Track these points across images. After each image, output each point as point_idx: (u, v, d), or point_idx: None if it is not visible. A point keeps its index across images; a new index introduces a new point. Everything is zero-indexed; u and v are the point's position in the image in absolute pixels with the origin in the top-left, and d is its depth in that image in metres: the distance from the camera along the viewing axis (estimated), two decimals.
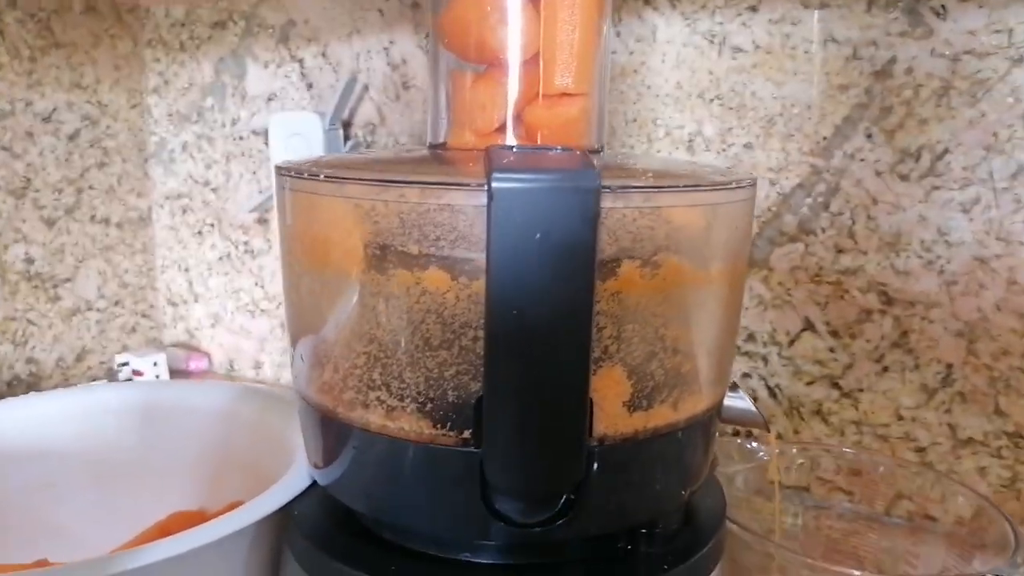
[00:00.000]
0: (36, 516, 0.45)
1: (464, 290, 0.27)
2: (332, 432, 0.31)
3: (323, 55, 0.69)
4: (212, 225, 0.78)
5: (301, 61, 0.70)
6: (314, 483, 0.36)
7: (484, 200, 0.24)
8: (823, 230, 0.54)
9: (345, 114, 0.68)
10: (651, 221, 0.27)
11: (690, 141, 0.57)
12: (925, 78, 0.49)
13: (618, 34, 0.57)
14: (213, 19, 0.73)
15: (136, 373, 0.72)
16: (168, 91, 0.77)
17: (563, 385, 0.26)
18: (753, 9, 0.53)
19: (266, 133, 0.72)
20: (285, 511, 0.34)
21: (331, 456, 0.32)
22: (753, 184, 0.32)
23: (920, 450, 0.53)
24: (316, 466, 0.34)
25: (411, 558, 0.31)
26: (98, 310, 0.75)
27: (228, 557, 0.34)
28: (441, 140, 0.34)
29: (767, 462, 0.47)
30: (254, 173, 0.75)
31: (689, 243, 0.28)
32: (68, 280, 0.73)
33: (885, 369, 0.53)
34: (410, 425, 0.28)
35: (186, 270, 0.80)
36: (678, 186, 0.28)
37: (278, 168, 0.32)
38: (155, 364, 0.73)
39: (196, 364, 0.78)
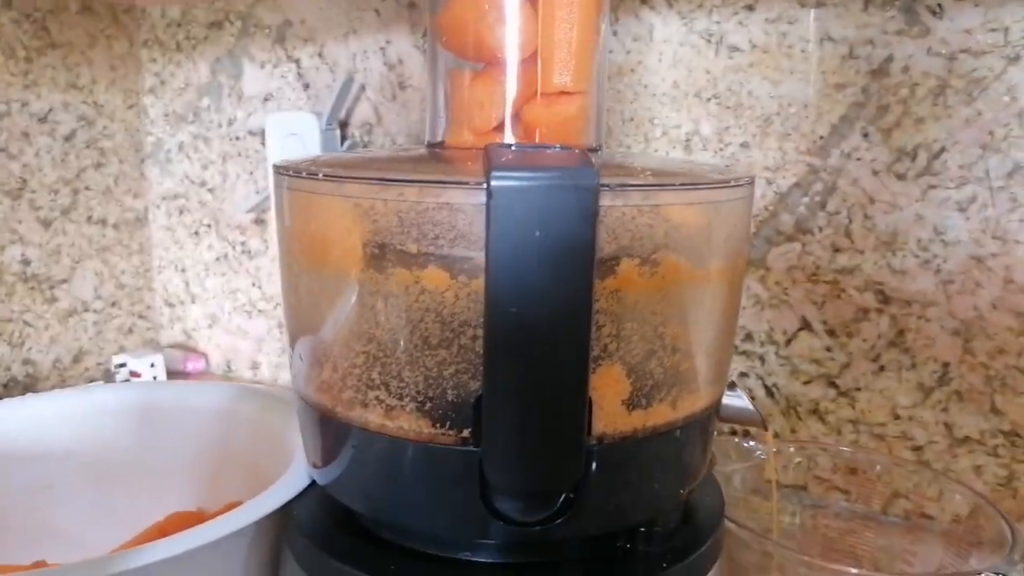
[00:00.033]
0: (34, 517, 0.44)
1: (463, 289, 0.27)
2: (331, 431, 0.31)
3: (319, 55, 0.69)
4: (209, 226, 0.78)
5: (297, 61, 0.70)
6: (313, 483, 0.36)
7: (483, 198, 0.24)
8: (820, 229, 0.54)
9: (342, 114, 0.68)
10: (650, 219, 0.27)
11: (687, 140, 0.57)
12: (921, 77, 0.49)
13: (615, 33, 0.57)
14: (209, 19, 0.73)
15: (133, 374, 0.72)
16: (164, 91, 0.77)
17: (562, 384, 0.26)
18: (750, 8, 0.53)
19: (263, 133, 0.72)
20: (284, 511, 0.34)
21: (330, 456, 0.32)
22: (751, 182, 0.32)
23: (917, 449, 0.53)
24: (315, 466, 0.34)
25: (410, 557, 0.31)
26: (95, 311, 0.75)
27: (227, 557, 0.34)
28: (439, 139, 0.34)
29: (765, 461, 0.47)
30: (251, 173, 0.75)
31: (688, 241, 0.28)
32: (65, 281, 0.72)
33: (882, 368, 0.53)
34: (409, 424, 0.28)
35: (183, 271, 0.80)
36: (677, 184, 0.28)
37: (276, 167, 0.32)
38: (152, 365, 0.72)
39: (193, 365, 0.78)
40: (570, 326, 0.25)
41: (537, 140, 0.32)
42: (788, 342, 0.56)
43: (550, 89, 0.32)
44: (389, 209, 0.27)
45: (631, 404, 0.29)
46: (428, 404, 0.28)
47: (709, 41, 0.55)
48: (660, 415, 0.29)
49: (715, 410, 0.33)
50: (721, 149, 0.56)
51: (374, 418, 0.29)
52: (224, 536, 0.31)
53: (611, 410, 0.28)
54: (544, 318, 0.25)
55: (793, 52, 0.53)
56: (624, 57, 0.58)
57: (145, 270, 0.80)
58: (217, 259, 0.78)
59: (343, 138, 0.69)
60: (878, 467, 0.47)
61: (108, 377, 0.76)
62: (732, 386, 0.36)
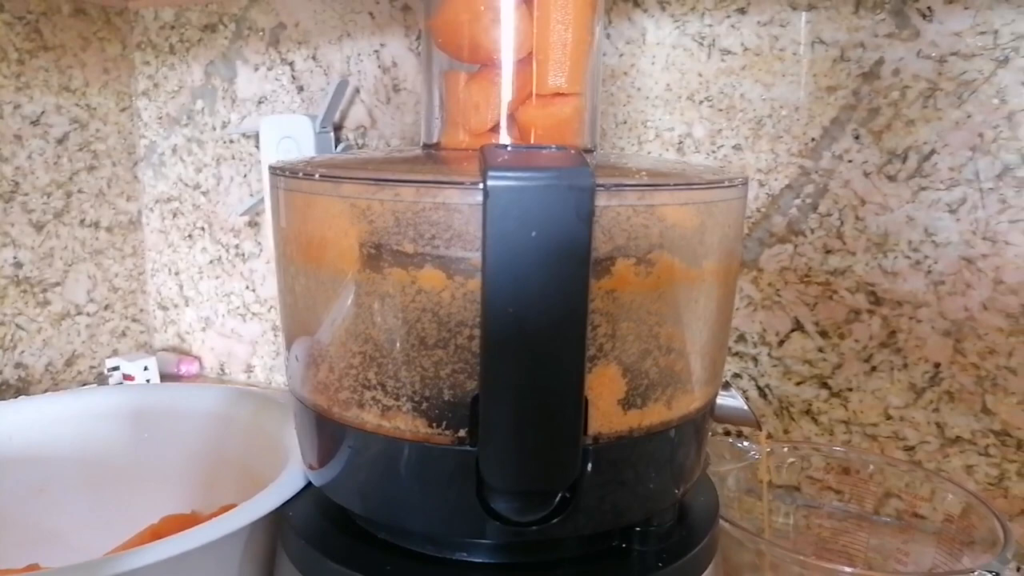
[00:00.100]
0: (28, 521, 0.44)
1: (459, 289, 0.27)
2: (327, 432, 0.31)
3: (314, 58, 0.69)
4: (203, 228, 0.78)
5: (292, 64, 0.70)
6: (308, 485, 0.36)
7: (479, 198, 0.25)
8: (812, 231, 0.54)
9: (336, 117, 0.68)
10: (645, 219, 0.27)
11: (680, 143, 0.57)
12: (912, 79, 0.50)
13: (608, 36, 0.58)
14: (203, 22, 0.73)
15: (127, 377, 0.72)
16: (158, 94, 0.77)
17: (558, 383, 0.26)
18: (742, 11, 0.54)
19: (257, 136, 0.72)
20: (279, 513, 0.34)
21: (326, 456, 0.32)
22: (745, 183, 0.32)
23: (909, 449, 0.53)
24: (311, 467, 0.34)
25: (407, 558, 0.31)
26: (88, 314, 0.75)
27: (221, 560, 0.34)
28: (435, 140, 0.34)
29: (758, 461, 0.47)
30: (245, 176, 0.75)
31: (683, 241, 0.29)
32: (57, 284, 0.72)
33: (874, 369, 0.54)
34: (406, 424, 0.28)
35: (176, 274, 0.80)
36: (671, 184, 0.28)
37: (272, 168, 0.32)
38: (146, 368, 0.72)
39: (187, 368, 0.78)
40: (566, 326, 0.26)
41: (532, 141, 0.32)
42: (781, 343, 0.56)
43: (545, 90, 0.32)
44: (385, 209, 0.27)
45: (627, 404, 0.29)
46: (424, 404, 0.28)
47: (701, 44, 0.55)
48: (655, 415, 0.30)
49: (710, 410, 0.33)
50: (714, 151, 0.56)
51: (370, 418, 0.29)
52: (218, 539, 0.31)
53: (607, 410, 0.28)
54: (540, 318, 0.25)
55: (785, 55, 0.53)
56: (617, 60, 0.58)
57: (138, 273, 0.80)
58: (211, 262, 0.78)
59: (337, 141, 0.69)
60: (871, 467, 0.48)
61: (101, 380, 0.76)
62: (726, 386, 0.37)
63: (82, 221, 0.74)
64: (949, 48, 0.49)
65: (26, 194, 0.69)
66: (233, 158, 0.75)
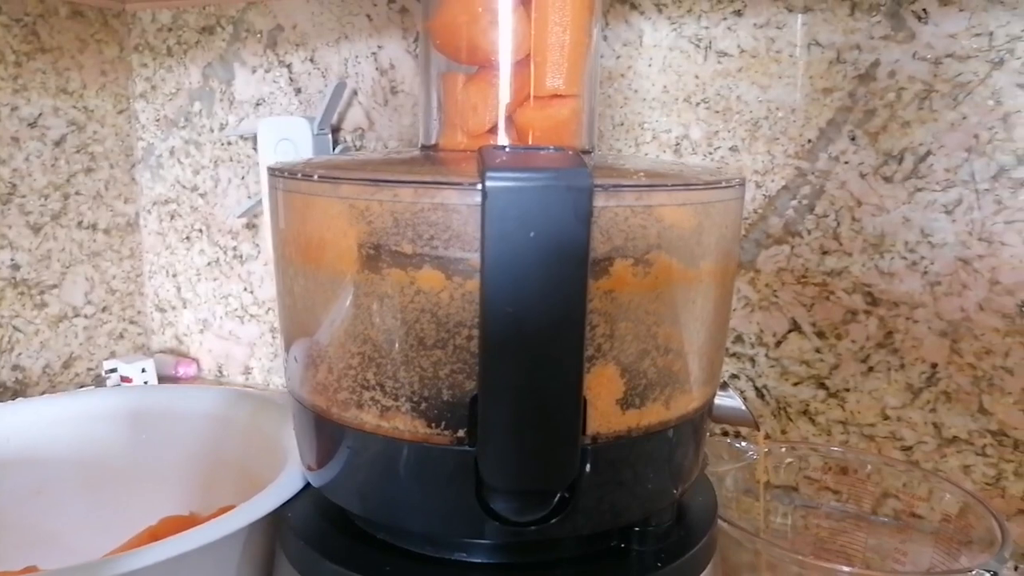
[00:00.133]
0: (26, 523, 0.44)
1: (458, 289, 0.27)
2: (326, 433, 0.31)
3: (311, 60, 0.69)
4: (200, 230, 0.78)
5: (289, 66, 0.70)
6: (307, 486, 0.36)
7: (478, 199, 0.25)
8: (808, 232, 0.54)
9: (334, 119, 0.68)
10: (643, 220, 0.27)
11: (677, 144, 0.57)
12: (907, 81, 0.50)
13: (605, 38, 0.58)
14: (200, 24, 0.73)
15: (124, 379, 0.72)
16: (155, 96, 0.77)
17: (557, 383, 0.26)
18: (738, 14, 0.54)
19: (254, 138, 0.72)
20: (277, 515, 0.34)
21: (325, 457, 0.32)
22: (742, 183, 0.32)
23: (906, 449, 0.53)
24: (310, 468, 0.34)
25: (406, 558, 0.31)
26: (85, 316, 0.75)
27: (219, 561, 0.34)
28: (433, 141, 0.34)
29: (756, 462, 0.47)
30: (242, 178, 0.75)
31: (680, 242, 0.29)
32: (55, 286, 0.72)
33: (871, 369, 0.54)
34: (404, 425, 0.28)
35: (174, 276, 0.80)
36: (669, 185, 0.29)
37: (271, 169, 0.32)
38: (143, 370, 0.72)
39: (185, 370, 0.78)
40: (564, 326, 0.26)
41: (530, 142, 0.32)
42: (778, 344, 0.56)
43: (543, 92, 0.32)
44: (384, 210, 0.27)
45: (625, 404, 0.29)
46: (423, 404, 0.28)
47: (698, 46, 0.55)
48: (654, 415, 0.30)
49: (708, 410, 0.34)
50: (710, 153, 0.56)
51: (369, 419, 0.29)
52: (217, 540, 0.31)
53: (605, 410, 0.28)
54: (539, 318, 0.25)
55: (781, 57, 0.53)
56: (614, 62, 0.58)
57: (136, 275, 0.80)
58: (209, 264, 0.78)
59: (335, 143, 0.69)
60: (868, 467, 0.48)
61: (99, 383, 0.75)
62: (724, 386, 0.37)
63: (79, 223, 0.74)
64: (944, 50, 0.49)
65: (23, 196, 0.69)
66: (231, 160, 0.75)
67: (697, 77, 0.56)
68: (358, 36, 0.67)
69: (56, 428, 0.46)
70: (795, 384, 0.56)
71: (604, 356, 0.28)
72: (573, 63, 0.32)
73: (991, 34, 0.48)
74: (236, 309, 0.77)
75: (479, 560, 0.31)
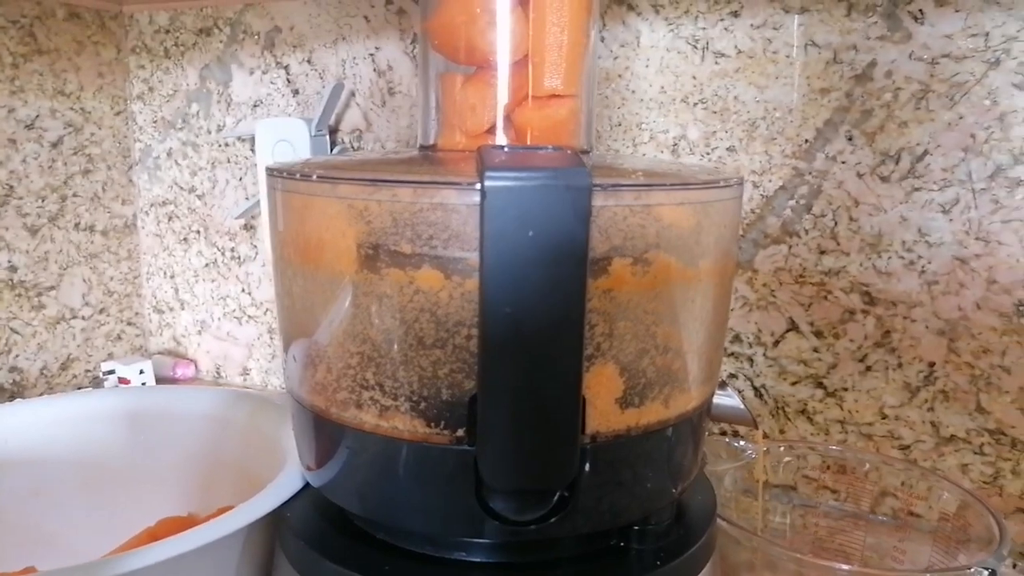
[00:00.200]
0: (24, 524, 0.44)
1: (457, 289, 0.27)
2: (325, 433, 0.31)
3: (309, 61, 0.69)
4: (198, 232, 0.78)
5: (287, 67, 0.70)
6: (306, 486, 0.36)
7: (477, 199, 0.25)
8: (806, 232, 0.54)
9: (331, 120, 0.68)
10: (642, 219, 0.27)
11: (674, 145, 0.57)
12: (904, 81, 0.50)
13: (602, 39, 0.58)
14: (198, 26, 0.73)
15: (122, 381, 0.72)
16: (153, 98, 0.77)
17: (556, 382, 0.26)
18: (735, 14, 0.54)
19: (252, 139, 0.72)
20: (276, 515, 0.34)
21: (324, 457, 0.32)
22: (740, 183, 0.32)
23: (904, 448, 0.54)
24: (309, 468, 0.34)
25: (406, 558, 0.31)
26: (83, 318, 0.75)
27: (218, 562, 0.34)
28: (431, 142, 0.34)
29: (755, 461, 0.47)
30: (240, 179, 0.75)
31: (679, 241, 0.29)
32: (52, 288, 0.72)
33: (868, 368, 0.54)
34: (404, 424, 0.29)
35: (172, 277, 0.80)
36: (668, 184, 0.29)
37: (269, 169, 0.32)
38: (141, 372, 0.72)
39: (183, 371, 0.78)
40: (564, 325, 0.26)
41: (529, 142, 0.32)
42: (776, 343, 0.56)
43: (541, 92, 0.32)
44: (383, 210, 0.27)
45: (624, 403, 0.29)
46: (423, 404, 0.28)
47: (695, 47, 0.56)
48: (653, 413, 0.30)
49: (706, 409, 0.34)
50: (708, 153, 0.56)
51: (369, 418, 0.29)
52: (215, 540, 0.31)
53: (604, 409, 0.29)
54: (538, 317, 0.25)
55: (778, 57, 0.53)
56: (612, 63, 0.58)
57: (134, 277, 0.80)
58: (206, 265, 0.78)
59: (333, 144, 0.69)
60: (867, 466, 0.48)
61: (96, 384, 0.75)
62: (723, 385, 0.37)
63: (77, 225, 0.74)
64: (941, 50, 0.49)
65: (20, 198, 0.69)
66: (228, 161, 0.75)
67: (694, 78, 0.56)
68: (356, 37, 0.67)
69: (54, 429, 0.46)
70: (793, 383, 0.56)
71: (603, 355, 0.28)
72: (571, 63, 0.32)
73: (987, 34, 0.48)
74: (234, 310, 0.77)
75: (478, 559, 0.31)
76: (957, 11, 0.48)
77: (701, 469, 0.36)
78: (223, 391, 0.49)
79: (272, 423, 0.44)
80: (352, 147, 0.69)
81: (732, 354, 0.58)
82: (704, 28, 0.55)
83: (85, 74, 0.73)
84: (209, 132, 0.75)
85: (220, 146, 0.75)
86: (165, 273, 0.80)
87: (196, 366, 0.80)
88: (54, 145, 0.71)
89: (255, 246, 0.75)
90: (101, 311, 0.77)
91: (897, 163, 0.51)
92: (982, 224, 0.50)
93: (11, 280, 0.69)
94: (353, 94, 0.68)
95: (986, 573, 0.35)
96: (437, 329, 0.27)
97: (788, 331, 0.56)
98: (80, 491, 0.46)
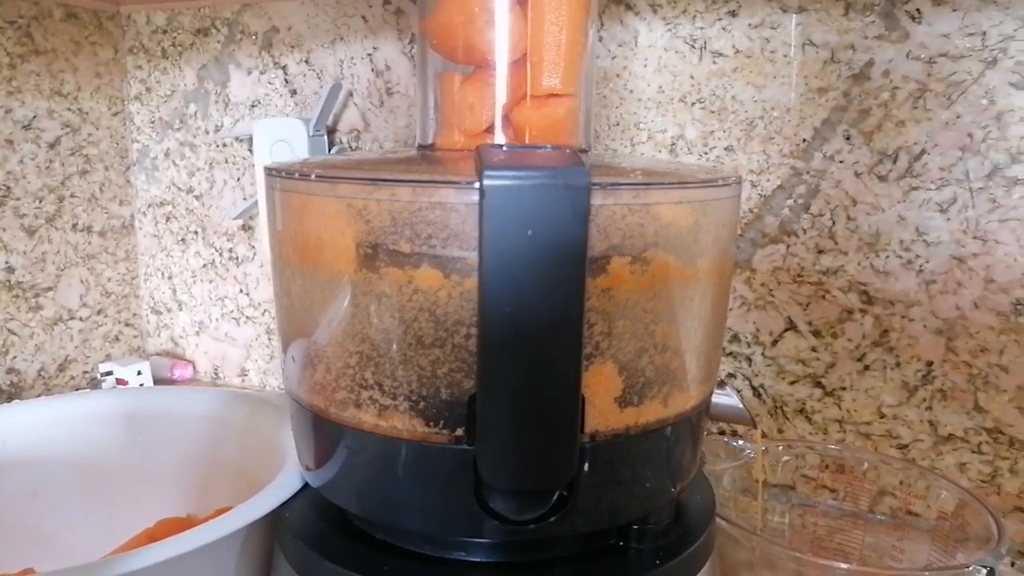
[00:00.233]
0: (22, 525, 0.44)
1: (456, 288, 0.27)
2: (324, 433, 0.31)
3: (307, 62, 0.69)
4: (196, 232, 0.78)
5: (285, 68, 0.70)
6: (305, 486, 0.36)
7: (476, 198, 0.25)
8: (804, 231, 0.54)
9: (329, 120, 0.68)
10: (640, 218, 0.27)
11: (672, 144, 0.57)
12: (902, 81, 0.50)
13: (600, 39, 0.58)
14: (195, 26, 0.73)
15: (120, 382, 0.72)
16: (150, 98, 0.77)
17: (555, 381, 0.26)
18: (733, 14, 0.54)
19: (250, 140, 0.72)
20: (275, 516, 0.34)
21: (323, 457, 0.32)
22: (739, 182, 0.32)
23: (902, 447, 0.54)
24: (308, 468, 0.34)
25: (405, 558, 0.31)
26: (80, 319, 0.75)
27: (217, 563, 0.33)
28: (430, 141, 0.34)
29: (753, 460, 0.47)
30: (238, 180, 0.75)
31: (678, 240, 0.29)
32: (50, 289, 0.72)
33: (867, 368, 0.54)
34: (403, 424, 0.28)
35: (170, 278, 0.80)
36: (666, 183, 0.29)
37: (268, 169, 0.32)
38: (139, 373, 0.72)
39: (181, 372, 0.77)
40: (563, 324, 0.26)
41: (527, 142, 0.32)
42: (774, 343, 0.56)
43: (539, 91, 0.32)
44: (382, 209, 0.27)
45: (623, 402, 0.29)
46: (422, 403, 0.28)
47: (693, 47, 0.56)
48: (652, 412, 0.30)
49: (705, 408, 0.34)
50: (706, 153, 0.56)
51: (368, 418, 0.29)
52: (214, 541, 0.31)
53: (603, 408, 0.29)
54: (537, 316, 0.25)
55: (776, 57, 0.53)
56: (610, 62, 0.58)
57: (131, 277, 0.80)
58: (204, 266, 0.78)
59: (331, 144, 0.69)
60: (865, 464, 0.48)
61: (94, 385, 0.75)
62: (722, 385, 0.37)
63: (74, 226, 0.73)
64: (938, 50, 0.49)
65: (18, 199, 0.69)
66: (226, 162, 0.75)
67: (692, 77, 0.56)
68: (353, 38, 0.67)
69: (52, 430, 0.46)
70: (791, 383, 0.56)
71: (602, 354, 0.28)
72: (569, 62, 0.32)
73: (984, 34, 0.48)
74: (232, 311, 0.77)
75: (478, 559, 0.31)
76: (954, 10, 0.48)
77: (700, 468, 0.36)
78: (221, 392, 0.49)
79: (270, 423, 0.44)
80: (350, 147, 0.69)
81: (730, 354, 0.58)
82: (702, 28, 0.55)
83: (82, 74, 0.73)
84: (207, 132, 0.75)
85: (218, 146, 0.75)
86: (163, 274, 0.80)
87: (194, 367, 0.80)
88: (51, 146, 0.71)
89: (253, 247, 0.75)
90: (99, 312, 0.76)
91: (895, 162, 0.51)
92: (980, 223, 0.50)
93: (8, 281, 0.69)
94: (351, 94, 0.68)
95: (984, 571, 0.35)
96: (436, 328, 0.27)
97: (786, 331, 0.56)
98: (78, 492, 0.46)
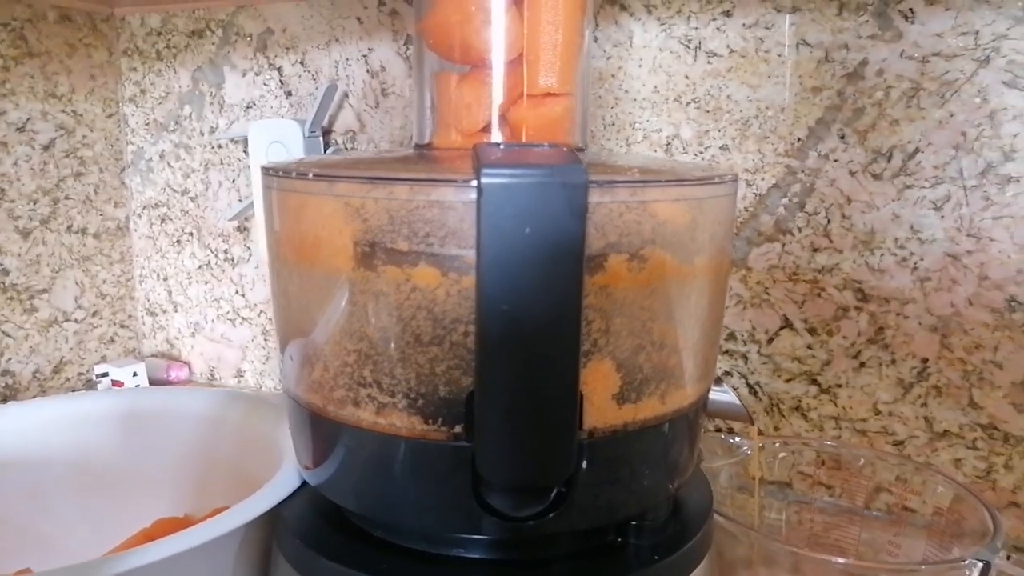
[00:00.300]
0: (20, 526, 0.44)
1: (454, 286, 0.27)
2: (323, 431, 0.31)
3: (302, 63, 0.69)
4: (191, 234, 0.78)
5: (280, 69, 0.70)
6: (303, 485, 0.36)
7: (473, 196, 0.25)
8: (799, 229, 0.55)
9: (325, 121, 0.68)
10: (637, 215, 0.28)
11: (668, 144, 0.58)
12: (895, 80, 0.51)
13: (595, 39, 0.58)
14: (190, 28, 0.73)
15: (116, 383, 0.71)
16: (145, 100, 0.77)
17: (553, 378, 0.26)
18: (727, 14, 0.54)
19: (245, 141, 0.72)
20: (273, 515, 0.34)
21: (322, 455, 0.32)
22: (735, 179, 0.32)
23: (898, 444, 0.54)
24: (306, 467, 0.34)
25: (403, 555, 0.31)
26: (76, 321, 0.74)
27: (216, 561, 0.33)
28: (427, 140, 0.34)
29: (750, 457, 0.47)
30: (233, 181, 0.75)
31: (674, 237, 0.29)
32: (45, 291, 0.72)
33: (862, 365, 0.54)
34: (401, 421, 0.29)
35: (165, 279, 0.79)
36: (663, 180, 0.29)
37: (265, 168, 0.32)
38: (135, 374, 0.72)
39: (176, 374, 0.77)
40: (561, 321, 0.26)
41: (524, 140, 0.32)
42: (770, 341, 0.57)
43: (536, 90, 0.32)
44: (380, 207, 0.27)
45: (621, 398, 0.29)
46: (420, 401, 0.28)
47: (688, 47, 0.56)
48: (649, 409, 0.30)
49: (703, 404, 0.34)
50: (701, 152, 0.57)
51: (366, 416, 0.29)
52: (212, 540, 0.31)
53: (601, 404, 0.29)
54: (535, 314, 0.25)
55: (770, 57, 0.54)
56: (605, 63, 0.58)
57: (127, 279, 0.80)
58: (200, 267, 0.78)
59: (326, 145, 0.69)
60: (861, 460, 0.48)
61: (90, 387, 0.75)
62: (719, 381, 0.37)
63: (69, 227, 0.73)
64: (931, 49, 0.50)
65: (12, 201, 0.69)
66: (222, 163, 0.75)
67: (687, 77, 0.56)
68: (348, 39, 0.67)
69: (49, 431, 0.46)
70: (787, 380, 0.56)
71: (600, 351, 0.28)
72: (566, 62, 0.32)
73: (977, 33, 0.48)
74: (228, 312, 0.77)
75: (476, 556, 0.31)
76: (947, 10, 0.49)
77: (698, 465, 0.37)
78: (217, 391, 0.49)
79: (267, 423, 0.44)
80: (346, 148, 0.69)
81: (727, 352, 0.58)
82: (696, 28, 0.55)
83: (77, 77, 0.73)
84: (202, 134, 0.75)
85: (213, 148, 0.75)
86: (158, 275, 0.80)
87: (190, 368, 0.80)
88: (46, 148, 0.71)
89: (248, 248, 0.75)
90: (94, 314, 0.76)
91: (889, 161, 0.52)
92: (973, 221, 0.50)
93: (3, 283, 0.68)
94: (346, 95, 0.68)
95: (980, 565, 0.35)
96: (434, 326, 0.27)
97: (782, 328, 0.56)
98: (76, 493, 0.46)
